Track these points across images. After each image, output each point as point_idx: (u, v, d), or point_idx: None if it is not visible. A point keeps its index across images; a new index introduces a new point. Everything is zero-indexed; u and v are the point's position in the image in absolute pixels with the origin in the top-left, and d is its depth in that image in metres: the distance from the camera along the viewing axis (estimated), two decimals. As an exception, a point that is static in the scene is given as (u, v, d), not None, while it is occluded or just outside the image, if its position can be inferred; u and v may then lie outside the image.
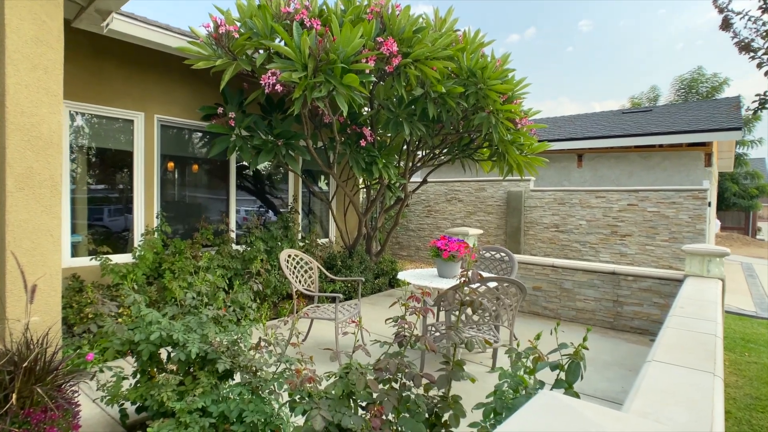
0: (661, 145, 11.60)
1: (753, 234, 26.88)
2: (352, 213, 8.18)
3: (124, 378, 2.60)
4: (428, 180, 8.77)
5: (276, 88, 4.60)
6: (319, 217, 7.99)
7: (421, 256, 12.02)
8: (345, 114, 4.65)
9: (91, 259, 4.68)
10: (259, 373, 2.40)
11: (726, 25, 4.62)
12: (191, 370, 2.59)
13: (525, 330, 5.33)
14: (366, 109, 6.71)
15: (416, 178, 12.10)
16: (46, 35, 2.62)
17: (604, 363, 4.35)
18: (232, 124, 5.45)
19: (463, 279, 1.95)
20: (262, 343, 2.38)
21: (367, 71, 4.76)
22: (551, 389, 1.59)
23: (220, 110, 5.50)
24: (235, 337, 2.58)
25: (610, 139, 11.91)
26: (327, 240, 7.89)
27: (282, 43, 4.82)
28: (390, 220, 10.27)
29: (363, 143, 6.13)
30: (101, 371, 2.53)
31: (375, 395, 1.70)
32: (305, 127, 5.69)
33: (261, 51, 5.03)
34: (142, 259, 4.86)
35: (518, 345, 1.83)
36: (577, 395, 1.46)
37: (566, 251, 9.92)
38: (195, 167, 6.01)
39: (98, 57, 4.81)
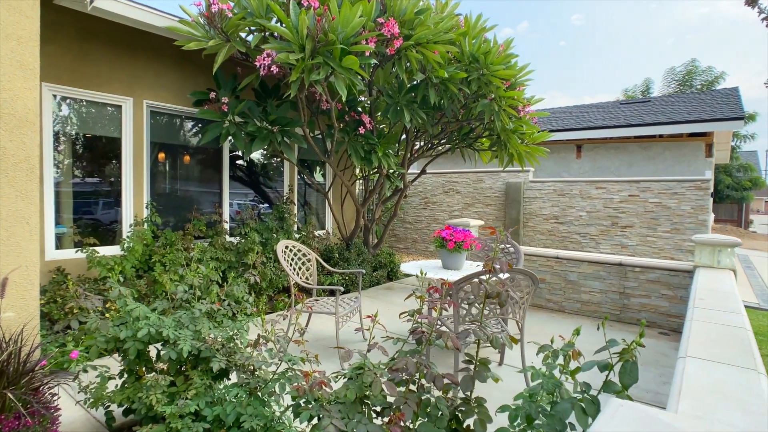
0: (661, 136, 11.47)
1: (745, 226, 27.06)
2: (350, 204, 7.96)
3: (110, 378, 2.38)
4: (426, 171, 8.55)
5: (271, 70, 4.36)
6: (315, 209, 7.77)
7: (419, 249, 11.83)
8: (344, 99, 4.43)
9: (77, 251, 4.44)
10: (257, 373, 2.20)
11: (752, 1, 4.41)
12: (183, 369, 2.38)
13: (529, 323, 5.17)
14: (362, 97, 6.48)
15: (413, 170, 11.88)
16: (20, 2, 2.37)
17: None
18: (225, 110, 5.19)
19: (487, 269, 1.76)
20: (261, 340, 2.18)
21: (368, 53, 4.53)
22: (599, 393, 1.40)
23: (212, 95, 5.24)
24: (231, 333, 2.38)
25: (609, 130, 11.76)
26: (324, 232, 7.67)
27: (278, 23, 4.57)
28: (387, 212, 10.06)
29: (362, 131, 5.90)
30: (85, 371, 2.31)
31: (392, 399, 1.50)
32: (302, 113, 5.45)
33: (256, 32, 4.77)
34: (131, 251, 4.62)
35: (552, 340, 1.64)
36: (630, 399, 1.28)
37: (566, 243, 9.78)
38: (187, 156, 5.75)
39: (84, 38, 4.54)
